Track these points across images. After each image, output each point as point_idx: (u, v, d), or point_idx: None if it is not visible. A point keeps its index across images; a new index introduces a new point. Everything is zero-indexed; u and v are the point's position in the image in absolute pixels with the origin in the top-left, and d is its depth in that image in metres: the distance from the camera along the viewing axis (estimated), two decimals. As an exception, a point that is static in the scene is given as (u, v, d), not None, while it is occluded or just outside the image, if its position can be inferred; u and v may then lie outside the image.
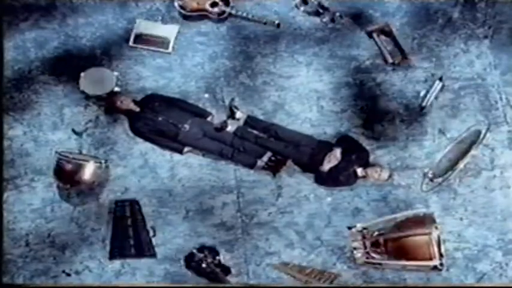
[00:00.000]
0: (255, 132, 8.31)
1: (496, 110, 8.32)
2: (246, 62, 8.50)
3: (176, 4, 8.54)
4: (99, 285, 7.97)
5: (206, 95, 8.44)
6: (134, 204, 8.08)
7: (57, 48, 8.50)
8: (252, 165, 8.21)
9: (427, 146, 8.24)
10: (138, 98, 8.37)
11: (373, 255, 7.76)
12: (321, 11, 8.53)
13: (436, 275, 7.80)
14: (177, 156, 8.28)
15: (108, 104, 8.33)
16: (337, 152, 8.17)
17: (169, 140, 8.26)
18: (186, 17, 8.60)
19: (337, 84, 8.46)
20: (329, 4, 8.62)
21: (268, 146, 8.22)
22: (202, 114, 8.36)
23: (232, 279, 8.00)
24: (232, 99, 8.36)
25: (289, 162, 8.19)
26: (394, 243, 7.68)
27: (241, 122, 8.33)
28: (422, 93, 8.32)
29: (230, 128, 8.29)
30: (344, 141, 8.26)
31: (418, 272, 7.75)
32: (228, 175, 8.23)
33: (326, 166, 8.15)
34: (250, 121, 8.34)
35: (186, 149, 8.28)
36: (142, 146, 8.32)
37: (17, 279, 7.95)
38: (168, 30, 8.59)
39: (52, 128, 8.34)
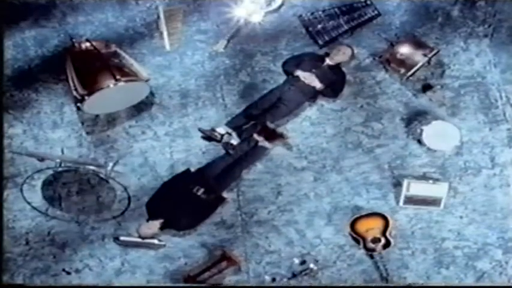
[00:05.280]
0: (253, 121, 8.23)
1: (495, 109, 8.33)
2: (245, 60, 8.50)
3: None
4: (99, 285, 7.98)
5: (206, 93, 8.44)
6: None
7: (57, 46, 8.50)
8: (264, 154, 8.16)
9: (427, 144, 8.25)
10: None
11: None
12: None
13: (436, 274, 7.82)
14: (176, 154, 8.27)
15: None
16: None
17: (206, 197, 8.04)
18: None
19: (337, 82, 8.46)
20: (329, 3, 8.62)
21: (285, 113, 8.19)
22: (185, 178, 8.13)
23: (232, 279, 8.01)
24: (202, 132, 8.22)
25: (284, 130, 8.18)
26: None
27: (230, 131, 8.19)
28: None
29: (234, 141, 8.20)
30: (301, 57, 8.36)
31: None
32: (228, 173, 8.24)
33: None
34: (235, 123, 8.22)
35: (226, 195, 8.10)
36: (142, 144, 8.31)
37: (16, 278, 7.95)
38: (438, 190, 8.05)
39: (52, 127, 8.32)
